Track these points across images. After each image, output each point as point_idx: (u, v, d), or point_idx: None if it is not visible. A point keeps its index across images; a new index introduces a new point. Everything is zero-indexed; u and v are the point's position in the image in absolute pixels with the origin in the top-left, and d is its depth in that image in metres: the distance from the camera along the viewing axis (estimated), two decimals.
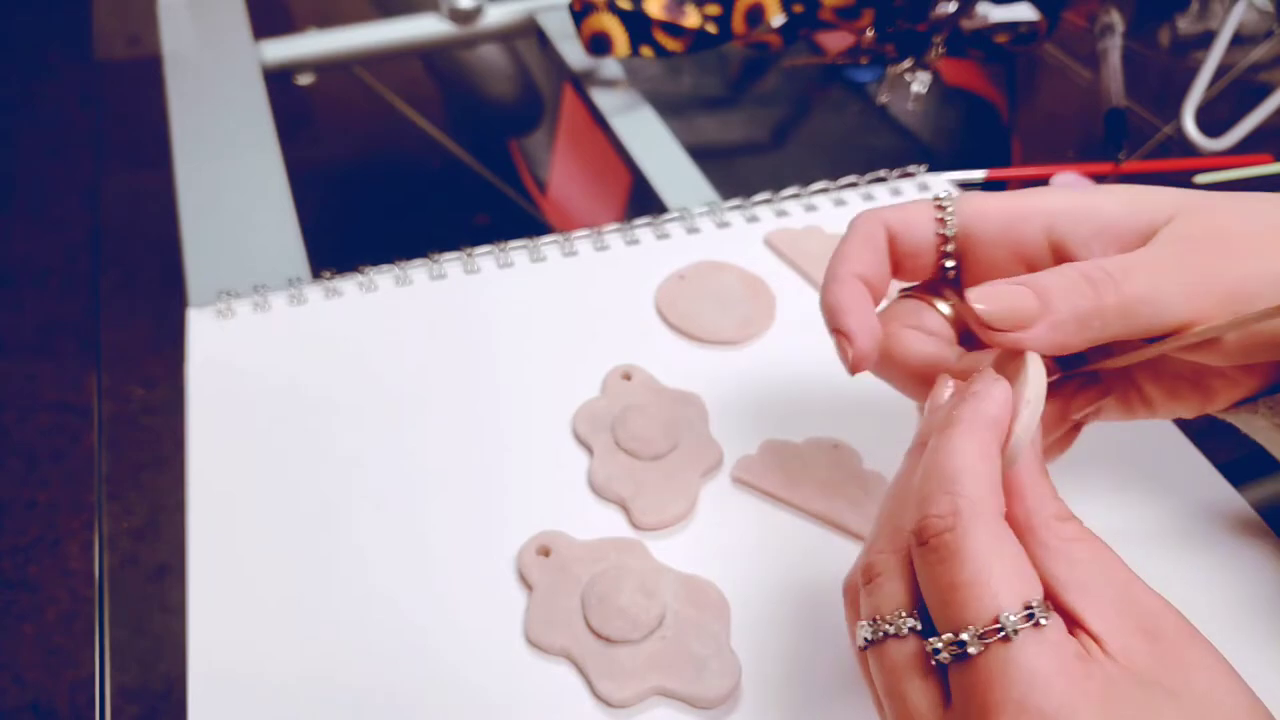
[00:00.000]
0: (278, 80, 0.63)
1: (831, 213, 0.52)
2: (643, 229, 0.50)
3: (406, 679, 0.33)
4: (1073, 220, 0.29)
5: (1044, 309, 0.27)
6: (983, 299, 0.28)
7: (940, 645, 0.23)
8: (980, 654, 0.22)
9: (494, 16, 0.69)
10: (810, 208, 0.52)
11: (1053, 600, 0.23)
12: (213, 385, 0.42)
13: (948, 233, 0.30)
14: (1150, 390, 0.31)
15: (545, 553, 0.36)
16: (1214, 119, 0.59)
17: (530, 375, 0.43)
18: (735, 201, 0.52)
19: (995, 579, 0.23)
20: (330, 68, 0.65)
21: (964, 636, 0.22)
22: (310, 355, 0.43)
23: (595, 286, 0.47)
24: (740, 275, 0.47)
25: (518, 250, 0.49)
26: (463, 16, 0.68)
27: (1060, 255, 0.29)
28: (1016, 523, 0.25)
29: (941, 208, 0.31)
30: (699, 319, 0.45)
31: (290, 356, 0.43)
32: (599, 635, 0.33)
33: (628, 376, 0.42)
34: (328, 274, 0.47)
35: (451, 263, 0.48)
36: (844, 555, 0.37)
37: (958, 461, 0.24)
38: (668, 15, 0.59)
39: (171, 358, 0.43)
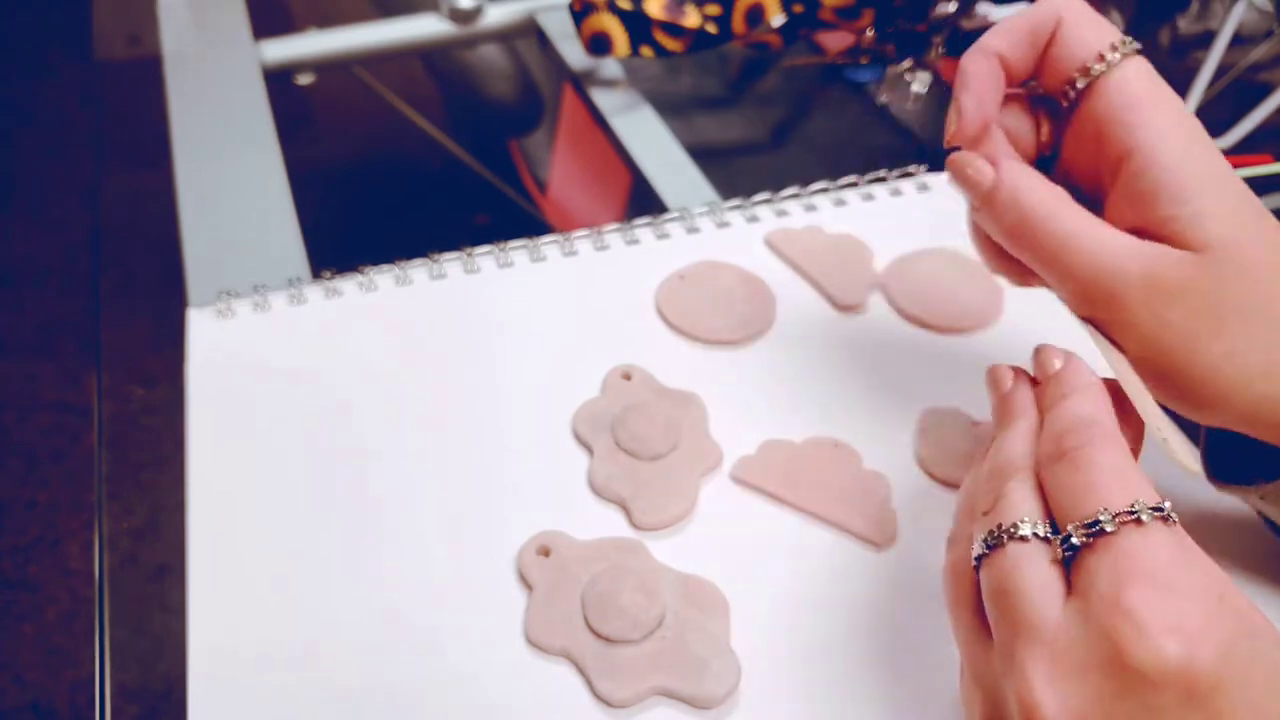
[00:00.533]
0: (278, 80, 0.63)
1: (831, 213, 0.52)
2: (643, 229, 0.50)
3: (406, 679, 0.33)
4: (1136, 173, 0.30)
5: (989, 196, 0.32)
6: (961, 158, 0.32)
7: (1074, 531, 0.25)
8: (1114, 533, 0.24)
9: (494, 16, 0.69)
10: (810, 208, 0.52)
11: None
12: (213, 385, 0.42)
13: (1094, 70, 0.31)
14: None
15: (545, 553, 0.36)
16: (1214, 119, 0.59)
17: (530, 375, 0.43)
18: (735, 201, 0.52)
19: (1129, 477, 0.25)
20: (330, 68, 0.65)
21: (1100, 517, 0.24)
22: (310, 355, 0.43)
23: (595, 286, 0.47)
24: (740, 275, 0.47)
25: (518, 250, 0.49)
26: (463, 16, 0.68)
27: (1115, 177, 0.31)
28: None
29: (1114, 48, 0.31)
30: (699, 319, 0.45)
31: (290, 356, 0.43)
32: (599, 635, 0.33)
33: (628, 376, 0.42)
34: (328, 274, 0.47)
35: (451, 263, 0.48)
36: (844, 555, 0.37)
37: (1088, 409, 0.27)
38: (668, 15, 0.59)
39: (171, 358, 0.43)
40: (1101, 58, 0.30)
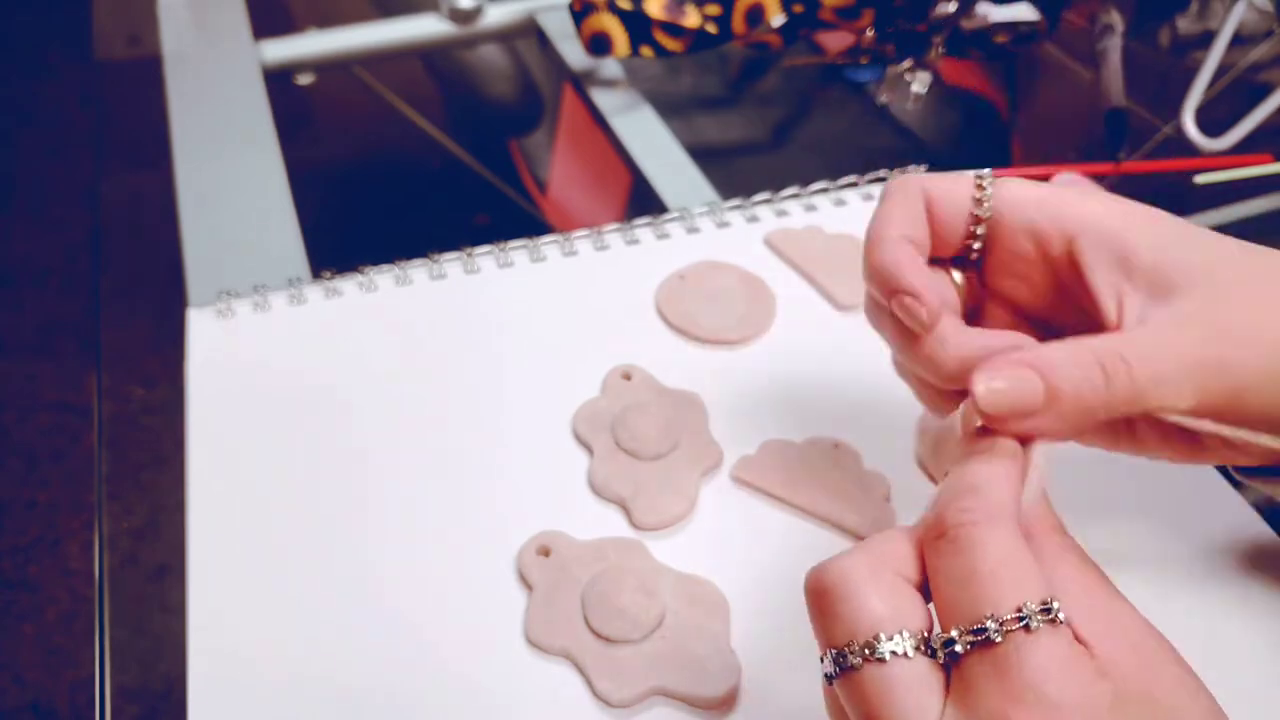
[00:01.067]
0: (278, 80, 0.63)
1: (831, 213, 0.52)
2: (643, 229, 0.50)
3: (406, 678, 0.33)
4: (1096, 243, 0.29)
5: (1050, 400, 0.26)
6: (987, 382, 0.26)
7: (958, 637, 0.23)
8: (1000, 643, 0.22)
9: (494, 16, 0.69)
10: (810, 208, 0.52)
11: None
12: (213, 385, 0.42)
13: (982, 214, 0.30)
14: (1142, 428, 0.31)
15: (545, 553, 0.36)
16: (1214, 119, 0.59)
17: (530, 375, 0.43)
18: (735, 201, 0.52)
19: (1017, 572, 0.23)
20: (330, 68, 0.65)
21: (987, 624, 0.22)
22: (310, 355, 0.43)
23: (595, 286, 0.47)
24: (740, 275, 0.47)
25: (518, 250, 0.49)
26: (463, 16, 0.68)
27: (1074, 270, 0.29)
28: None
29: (981, 187, 0.30)
30: (699, 319, 0.45)
31: (290, 356, 0.43)
32: (599, 635, 0.33)
33: (628, 376, 0.42)
34: (328, 274, 0.47)
35: (451, 263, 0.48)
36: None
37: (982, 474, 0.25)
38: (668, 15, 0.59)
39: (171, 358, 0.43)
40: (979, 187, 0.30)
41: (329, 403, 0.41)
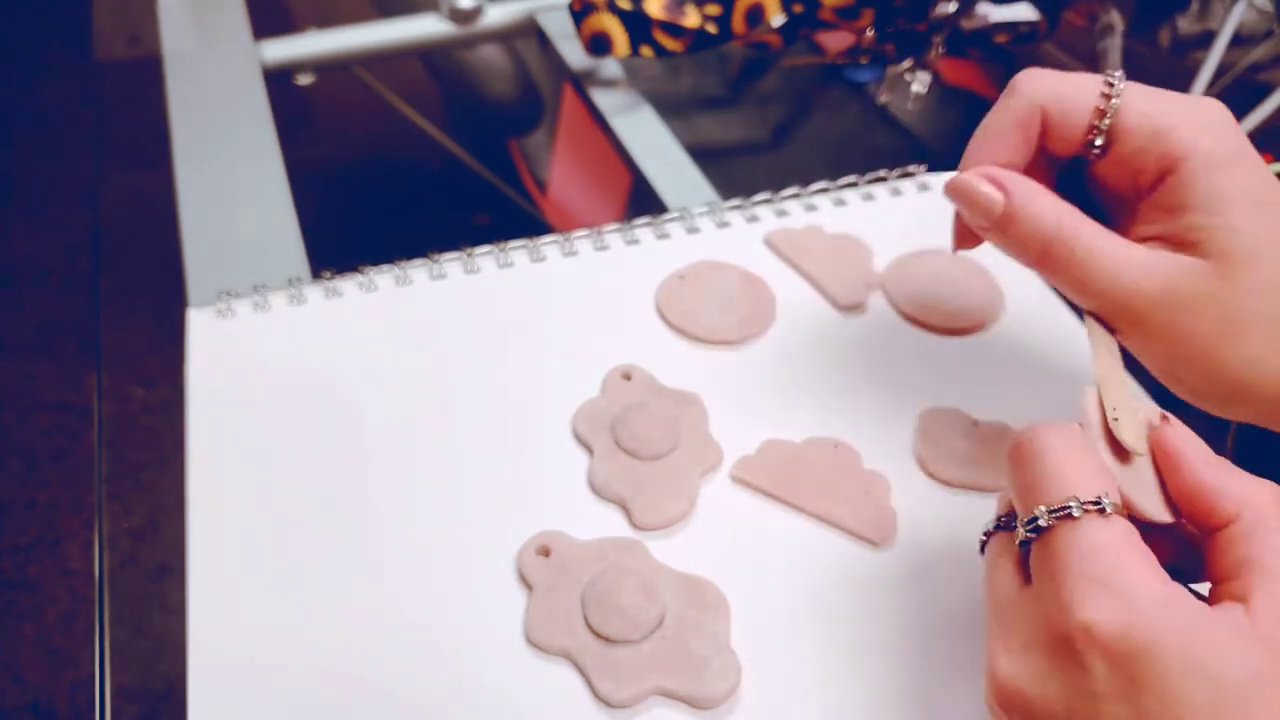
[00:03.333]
0: (278, 80, 0.63)
1: (831, 213, 0.52)
2: (643, 229, 0.50)
3: (406, 678, 0.33)
4: (1182, 184, 0.30)
5: (1004, 220, 0.32)
6: (971, 175, 0.32)
7: (1019, 525, 0.26)
8: (1050, 529, 0.25)
9: (494, 16, 0.69)
10: (810, 208, 0.52)
11: (1233, 580, 0.25)
12: (213, 385, 0.42)
13: (1102, 125, 0.31)
14: None
15: (545, 553, 0.36)
16: None
17: (530, 375, 0.43)
18: (735, 201, 0.52)
19: (1067, 473, 0.26)
20: (330, 68, 0.65)
21: (1036, 513, 0.26)
22: (310, 355, 0.43)
23: (595, 286, 0.47)
24: (740, 275, 0.47)
25: (518, 250, 0.49)
26: (463, 16, 0.68)
27: (1160, 186, 0.31)
28: (1225, 513, 0.26)
29: (1110, 87, 0.31)
30: (699, 319, 0.45)
31: (290, 356, 0.43)
32: (599, 635, 0.33)
33: (628, 376, 0.42)
34: (328, 274, 0.47)
35: (451, 263, 0.48)
36: (844, 555, 0.37)
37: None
38: (668, 15, 0.59)
39: (171, 358, 0.43)
40: (1102, 113, 0.31)
41: (329, 403, 0.41)
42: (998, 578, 0.27)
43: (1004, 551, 0.28)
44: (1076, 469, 0.26)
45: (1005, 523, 0.28)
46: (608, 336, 0.45)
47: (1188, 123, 0.31)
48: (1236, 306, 0.29)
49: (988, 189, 0.32)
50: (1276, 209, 0.30)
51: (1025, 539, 0.26)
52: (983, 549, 0.29)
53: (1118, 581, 0.24)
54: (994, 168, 0.32)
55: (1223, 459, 0.27)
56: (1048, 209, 0.31)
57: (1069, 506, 0.25)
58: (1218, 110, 0.31)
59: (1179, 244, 0.30)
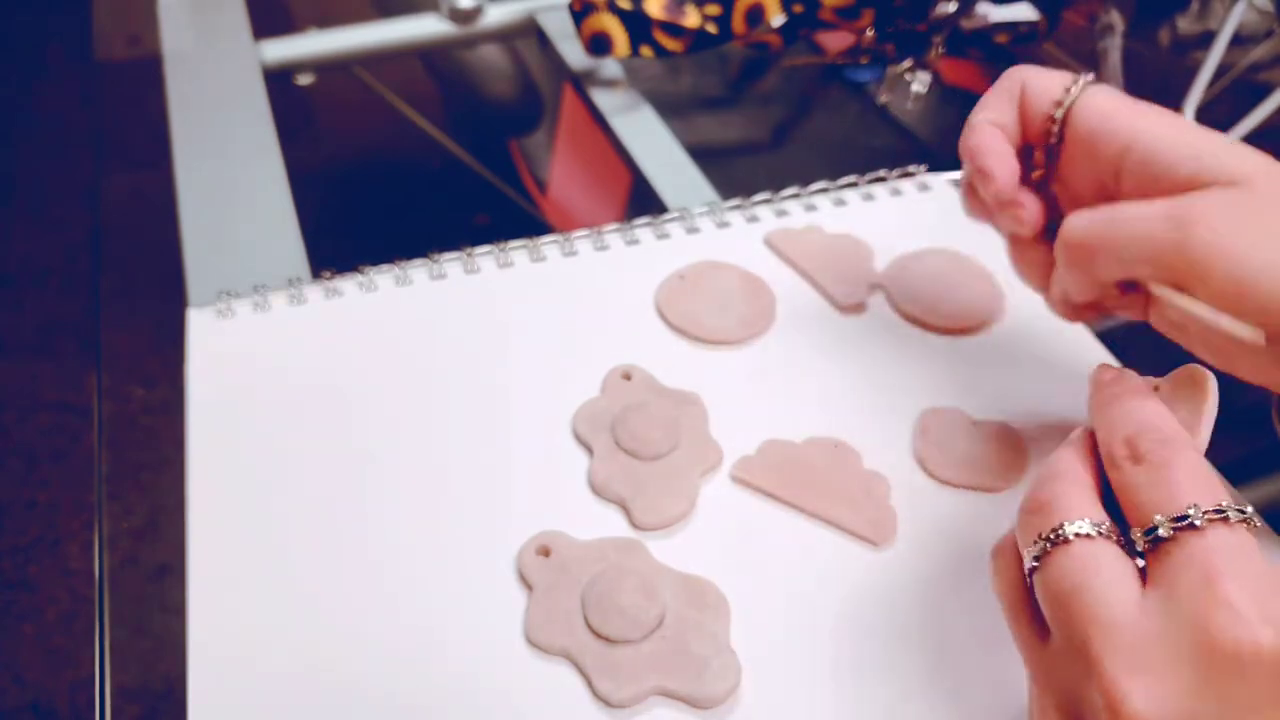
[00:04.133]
0: (278, 80, 0.63)
1: (831, 213, 0.52)
2: (643, 229, 0.50)
3: (406, 678, 0.33)
4: (1139, 155, 0.31)
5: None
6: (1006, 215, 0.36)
7: (1161, 524, 0.25)
8: (1203, 528, 0.24)
9: (494, 16, 0.69)
10: (810, 208, 0.52)
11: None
12: (213, 385, 0.42)
13: (1056, 115, 0.34)
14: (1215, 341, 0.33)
15: (545, 553, 0.36)
16: (1214, 119, 0.59)
17: (530, 375, 0.43)
18: (735, 201, 0.52)
19: (1213, 482, 0.26)
20: (330, 68, 0.65)
21: (1189, 512, 0.25)
22: (310, 355, 0.43)
23: (595, 286, 0.47)
24: (740, 275, 0.47)
25: (518, 250, 0.49)
26: (463, 16, 0.68)
27: (1120, 172, 0.32)
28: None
29: (1070, 88, 0.34)
30: (699, 319, 0.45)
31: (290, 356, 0.43)
32: (599, 635, 0.33)
33: (628, 376, 0.42)
34: (328, 274, 0.47)
35: (451, 263, 0.48)
36: (844, 555, 0.37)
37: (1148, 410, 0.28)
38: (668, 15, 0.59)
39: (171, 358, 0.43)
40: (1067, 90, 0.34)
41: (329, 402, 0.41)
42: (1101, 590, 0.25)
43: (1099, 559, 0.25)
44: (1216, 477, 0.26)
45: (1068, 535, 0.26)
46: (608, 336, 0.45)
47: (1133, 106, 0.33)
48: (1271, 214, 0.28)
49: (1018, 213, 0.36)
50: (1237, 143, 0.31)
51: (1162, 538, 0.25)
52: (1037, 559, 0.27)
53: (1278, 597, 0.23)
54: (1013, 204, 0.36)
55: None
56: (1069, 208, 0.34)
57: (1224, 510, 0.24)
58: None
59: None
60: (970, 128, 0.36)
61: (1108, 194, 0.33)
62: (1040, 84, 0.35)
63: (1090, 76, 0.34)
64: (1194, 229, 0.28)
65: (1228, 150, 0.30)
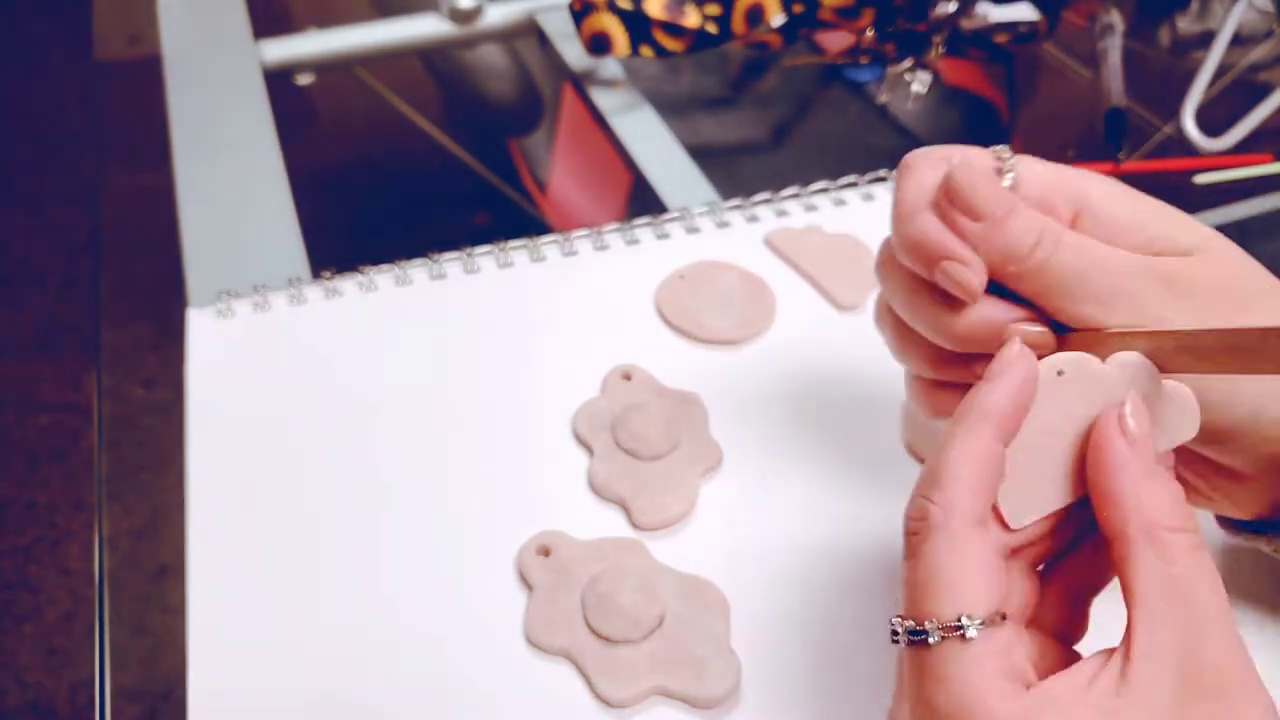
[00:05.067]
0: (278, 80, 0.63)
1: (831, 213, 0.52)
2: (643, 229, 0.50)
3: (407, 679, 0.33)
4: (1094, 215, 0.30)
5: (992, 226, 0.28)
6: (966, 169, 0.29)
7: (896, 626, 0.25)
8: (909, 647, 0.24)
9: (494, 16, 0.69)
10: (810, 208, 0.52)
11: (1128, 608, 0.24)
12: (213, 385, 0.42)
13: (1005, 185, 0.30)
14: (1187, 475, 0.31)
15: (545, 553, 0.36)
16: (1214, 119, 0.59)
17: (530, 375, 0.43)
18: (735, 201, 0.52)
19: (941, 586, 0.24)
20: (330, 68, 0.65)
21: (895, 627, 0.25)
22: (310, 355, 0.43)
23: (595, 286, 0.47)
24: (740, 275, 0.47)
25: (518, 250, 0.49)
26: (463, 16, 0.68)
27: (1076, 222, 0.30)
28: (1112, 527, 0.24)
29: (1000, 159, 0.31)
30: (699, 319, 0.45)
31: (290, 356, 0.43)
32: (599, 635, 0.33)
33: (628, 376, 0.42)
34: (328, 274, 0.47)
35: (451, 263, 0.48)
36: (844, 555, 0.37)
37: (946, 462, 0.25)
38: (668, 15, 0.59)
39: (171, 358, 0.43)
40: (1001, 158, 0.31)
41: (329, 402, 0.41)
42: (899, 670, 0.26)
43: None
44: (949, 580, 0.24)
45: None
46: (608, 336, 0.45)
47: (1075, 171, 0.31)
48: (1218, 292, 0.28)
49: (989, 184, 0.30)
50: (1187, 216, 0.30)
51: (899, 643, 0.25)
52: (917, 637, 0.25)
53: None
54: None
55: (1142, 459, 0.25)
56: (1034, 211, 0.30)
57: (924, 631, 0.24)
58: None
59: None
60: (909, 216, 0.30)
61: None
62: (968, 159, 0.31)
63: (1004, 147, 0.31)
64: (1175, 287, 0.28)
65: (1177, 222, 0.30)
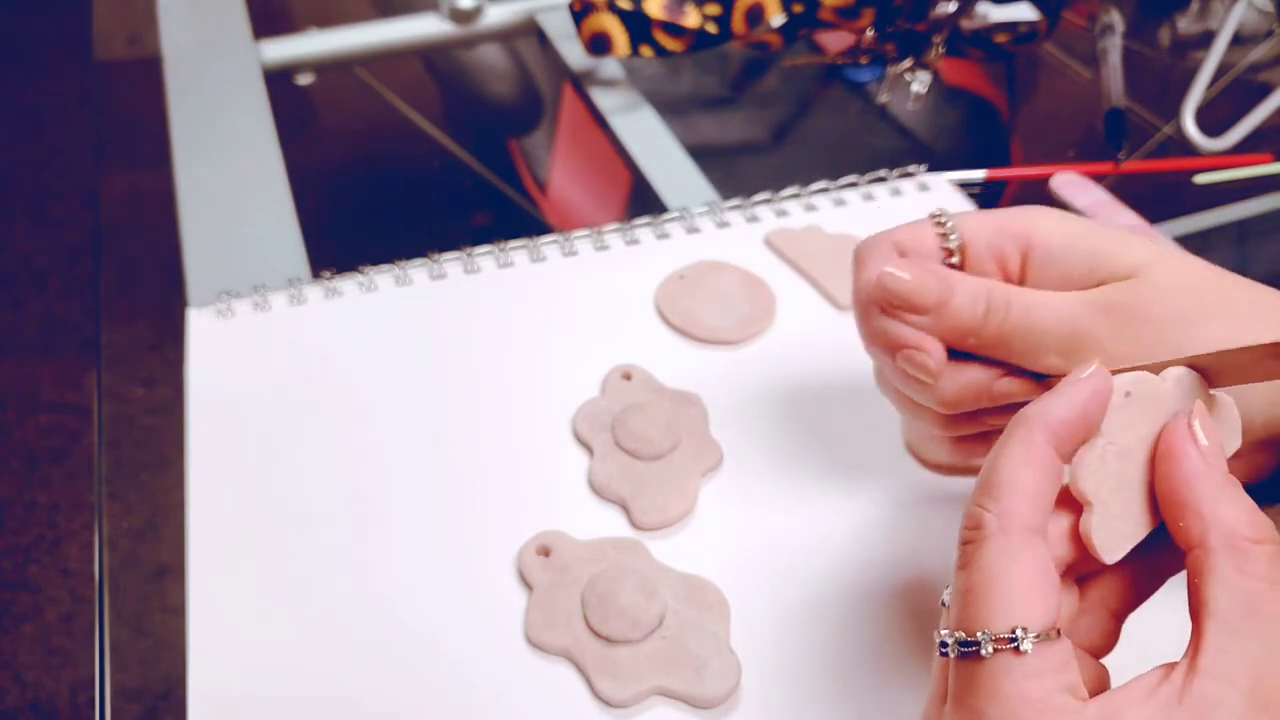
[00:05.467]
0: (278, 80, 0.63)
1: (831, 213, 0.52)
2: (643, 229, 0.50)
3: (406, 678, 0.33)
4: (1041, 251, 0.31)
5: (938, 305, 0.30)
6: (895, 270, 0.30)
7: (946, 637, 0.24)
8: (959, 659, 0.23)
9: (494, 16, 0.69)
10: (810, 208, 0.52)
11: (1197, 621, 0.23)
12: (213, 385, 0.42)
13: (951, 246, 0.32)
14: None
15: (545, 553, 0.36)
16: (1214, 119, 0.59)
17: (530, 375, 0.43)
18: (735, 201, 0.52)
19: (996, 596, 0.23)
20: (330, 68, 0.65)
21: (945, 638, 0.24)
22: (310, 355, 0.43)
23: (595, 286, 0.47)
24: (740, 275, 0.47)
25: (518, 250, 0.49)
26: (463, 16, 0.68)
27: (1024, 272, 0.31)
28: (1190, 537, 0.24)
29: (941, 224, 0.32)
30: (699, 319, 0.45)
31: (290, 356, 0.43)
32: (599, 635, 0.33)
33: (628, 376, 0.42)
34: (328, 274, 0.47)
35: (451, 263, 0.48)
36: (844, 555, 0.37)
37: (1001, 470, 0.25)
38: (668, 15, 0.59)
39: (171, 358, 0.43)
40: (945, 237, 0.32)
41: (329, 402, 0.41)
42: (933, 677, 0.25)
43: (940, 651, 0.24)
44: (1006, 590, 0.23)
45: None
46: (608, 336, 0.45)
47: (1024, 212, 0.32)
48: (1162, 308, 0.28)
49: (909, 272, 0.31)
50: (1133, 235, 0.31)
51: (949, 654, 0.24)
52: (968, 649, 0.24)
53: None
54: (911, 261, 0.32)
55: (1219, 469, 0.24)
56: (975, 280, 0.31)
57: (977, 643, 0.23)
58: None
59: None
60: (865, 310, 0.32)
61: (1007, 277, 0.32)
62: (911, 234, 0.32)
63: (942, 209, 0.33)
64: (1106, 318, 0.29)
65: (1119, 243, 0.30)
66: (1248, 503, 0.24)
